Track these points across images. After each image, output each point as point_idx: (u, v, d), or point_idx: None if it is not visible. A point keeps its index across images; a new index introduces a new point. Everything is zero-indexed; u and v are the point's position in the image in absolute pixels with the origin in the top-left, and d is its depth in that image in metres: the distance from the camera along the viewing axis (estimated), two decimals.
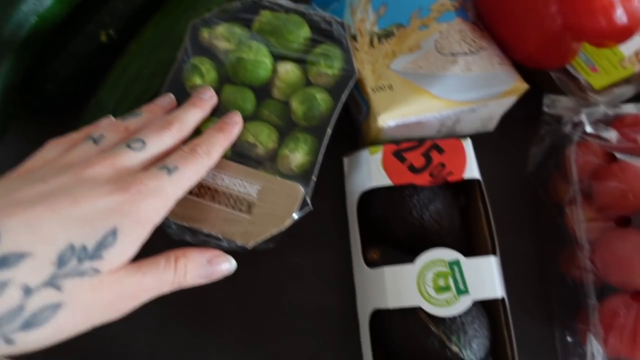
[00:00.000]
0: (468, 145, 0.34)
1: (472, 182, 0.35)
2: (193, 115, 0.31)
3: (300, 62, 0.36)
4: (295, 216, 0.32)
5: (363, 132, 0.38)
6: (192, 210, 0.33)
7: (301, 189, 0.33)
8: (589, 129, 0.34)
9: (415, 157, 0.34)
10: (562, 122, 0.36)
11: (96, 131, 0.28)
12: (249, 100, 0.35)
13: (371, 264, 0.34)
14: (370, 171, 0.34)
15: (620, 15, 0.31)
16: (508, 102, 0.36)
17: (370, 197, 0.35)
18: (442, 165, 0.33)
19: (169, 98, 0.33)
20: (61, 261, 0.21)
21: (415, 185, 0.34)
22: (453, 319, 0.32)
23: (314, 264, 0.39)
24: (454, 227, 0.35)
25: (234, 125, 0.32)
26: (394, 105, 0.34)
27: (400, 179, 0.33)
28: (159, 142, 0.27)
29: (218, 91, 0.35)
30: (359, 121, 0.38)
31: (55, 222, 0.21)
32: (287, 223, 0.32)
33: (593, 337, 0.32)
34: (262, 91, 0.36)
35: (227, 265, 0.28)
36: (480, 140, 0.42)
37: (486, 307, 0.34)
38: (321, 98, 0.34)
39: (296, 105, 0.35)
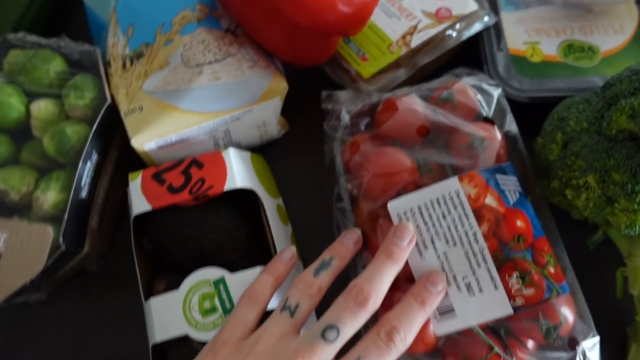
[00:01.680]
0: (228, 155, 0.32)
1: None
2: (389, 275, 0.27)
3: (58, 97, 0.34)
4: (47, 261, 0.30)
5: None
6: None
7: (50, 231, 0.31)
8: (346, 121, 0.33)
9: (175, 177, 0.32)
10: (332, 117, 0.35)
11: (292, 298, 0.26)
12: (0, 145, 0.33)
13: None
14: (132, 199, 0.32)
15: (343, 7, 0.30)
16: (273, 104, 0.34)
17: (149, 225, 0.34)
18: (202, 180, 0.32)
19: (353, 235, 0.30)
20: None
21: (183, 207, 0.32)
22: None
23: (124, 307, 0.37)
24: (238, 243, 0.33)
25: (437, 295, 0.27)
26: (145, 126, 0.32)
27: (159, 201, 0.31)
28: (354, 326, 0.25)
29: None
30: None
31: None
32: (38, 270, 0.30)
33: None
34: (24, 133, 0.34)
35: None
36: (282, 146, 0.40)
37: None
38: (73, 131, 0.33)
39: (47, 142, 0.33)
